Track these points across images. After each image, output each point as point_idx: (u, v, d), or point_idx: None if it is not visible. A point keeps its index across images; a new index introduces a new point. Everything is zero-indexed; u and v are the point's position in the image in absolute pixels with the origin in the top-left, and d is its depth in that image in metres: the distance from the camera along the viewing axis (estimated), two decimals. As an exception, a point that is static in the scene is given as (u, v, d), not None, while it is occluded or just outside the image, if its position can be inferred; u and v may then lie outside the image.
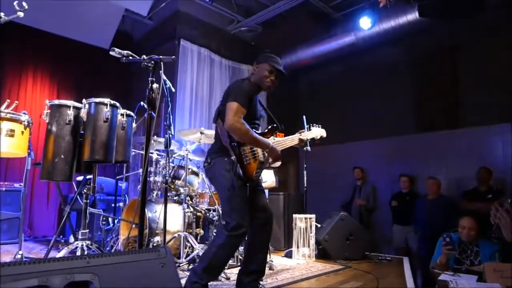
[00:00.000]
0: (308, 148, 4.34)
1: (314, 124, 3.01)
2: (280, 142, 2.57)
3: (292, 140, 2.67)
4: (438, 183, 5.19)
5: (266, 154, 2.42)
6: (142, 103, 3.94)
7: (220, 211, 3.70)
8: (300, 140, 2.70)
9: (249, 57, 7.20)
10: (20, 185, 5.00)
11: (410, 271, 3.52)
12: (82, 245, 2.44)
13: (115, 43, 6.14)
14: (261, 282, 2.49)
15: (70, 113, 2.43)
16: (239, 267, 2.52)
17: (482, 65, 5.50)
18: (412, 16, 5.48)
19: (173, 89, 3.30)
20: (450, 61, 5.90)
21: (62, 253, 2.46)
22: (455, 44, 5.87)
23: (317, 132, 2.92)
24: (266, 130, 2.55)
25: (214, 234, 3.84)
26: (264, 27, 6.84)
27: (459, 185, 5.40)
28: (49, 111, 2.43)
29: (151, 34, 6.72)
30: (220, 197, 2.40)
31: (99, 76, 6.43)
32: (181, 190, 3.85)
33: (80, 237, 2.48)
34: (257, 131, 2.46)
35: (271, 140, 2.48)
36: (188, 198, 3.72)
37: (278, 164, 2.49)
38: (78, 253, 2.40)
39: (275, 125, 2.57)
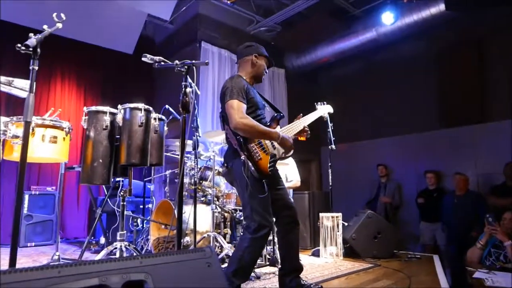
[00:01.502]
0: (333, 146, 4.38)
1: (319, 102, 2.96)
2: (287, 129, 2.52)
3: (296, 125, 2.58)
4: (465, 179, 5.11)
5: (275, 145, 2.39)
6: (167, 106, 4.05)
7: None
8: (304, 128, 2.60)
9: (269, 56, 7.23)
10: (53, 189, 5.19)
11: (441, 269, 3.47)
12: (120, 246, 2.53)
13: (138, 48, 6.30)
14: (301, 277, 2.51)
15: (107, 118, 2.51)
16: (277, 267, 2.54)
17: (507, 57, 5.37)
18: (435, 9, 5.40)
19: (198, 92, 3.37)
20: (474, 54, 5.78)
21: (102, 254, 2.55)
22: (480, 36, 5.75)
23: (323, 109, 2.86)
24: (270, 121, 2.53)
25: (242, 233, 3.90)
26: (283, 27, 6.87)
27: (488, 180, 5.30)
28: (86, 117, 2.53)
29: (172, 38, 6.84)
30: (241, 200, 2.39)
31: (122, 81, 6.61)
32: (209, 191, 3.91)
33: (118, 238, 2.57)
34: (263, 122, 2.44)
35: (278, 129, 2.45)
36: (215, 198, 3.78)
37: (290, 153, 2.46)
38: (117, 254, 2.49)
39: (279, 114, 2.55)
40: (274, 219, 2.50)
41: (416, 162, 6.23)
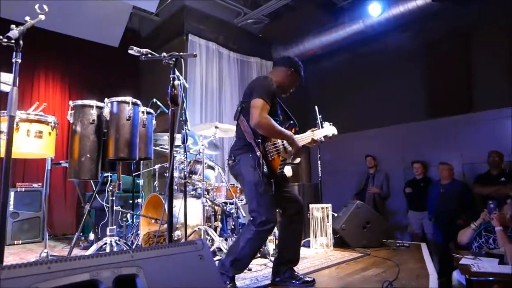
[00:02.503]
0: (322, 138, 4.40)
1: (326, 122, 3.00)
2: (297, 139, 2.58)
3: (305, 137, 2.65)
4: (450, 168, 5.20)
5: (287, 149, 2.45)
6: (155, 99, 4.00)
7: (239, 204, 3.77)
8: (313, 140, 2.66)
9: (256, 49, 7.21)
10: (39, 185, 5.11)
11: (429, 257, 3.55)
12: (110, 241, 2.51)
13: (123, 41, 6.20)
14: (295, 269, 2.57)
15: (94, 112, 2.48)
16: (273, 258, 2.60)
17: (493, 48, 5.45)
18: (422, 1, 5.44)
19: (186, 85, 3.33)
20: (461, 45, 5.84)
21: (92, 249, 2.53)
22: (466, 27, 5.81)
23: (330, 130, 2.92)
24: (285, 127, 2.58)
25: (233, 227, 3.91)
26: (271, 18, 6.84)
27: (474, 170, 5.40)
28: (72, 111, 2.49)
29: (158, 31, 6.75)
30: (246, 194, 2.43)
31: (109, 74, 6.51)
32: (199, 184, 3.90)
33: (108, 233, 2.55)
34: None
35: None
36: (205, 192, 3.78)
37: (298, 160, 2.54)
38: (108, 249, 2.47)
39: (291, 122, 2.61)
40: (280, 211, 2.60)
41: (403, 152, 6.31)
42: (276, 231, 3.60)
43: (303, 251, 4.00)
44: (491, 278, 2.32)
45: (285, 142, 2.44)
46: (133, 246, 3.68)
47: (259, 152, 2.32)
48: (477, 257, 2.83)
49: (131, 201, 4.52)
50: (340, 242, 4.21)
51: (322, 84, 7.66)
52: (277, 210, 2.50)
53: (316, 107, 3.60)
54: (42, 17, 2.03)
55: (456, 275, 2.59)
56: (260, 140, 2.35)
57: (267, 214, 2.29)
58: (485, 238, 3.38)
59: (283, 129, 2.42)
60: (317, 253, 3.86)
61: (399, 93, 6.38)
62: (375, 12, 5.83)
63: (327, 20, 6.62)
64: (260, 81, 2.48)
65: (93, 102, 2.57)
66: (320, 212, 4.21)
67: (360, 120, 6.86)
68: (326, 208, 4.22)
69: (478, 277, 2.33)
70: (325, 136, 2.81)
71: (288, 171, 4.49)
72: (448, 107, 5.85)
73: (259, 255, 3.46)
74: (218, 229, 3.91)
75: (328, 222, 4.18)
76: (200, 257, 1.39)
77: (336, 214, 4.44)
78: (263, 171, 2.30)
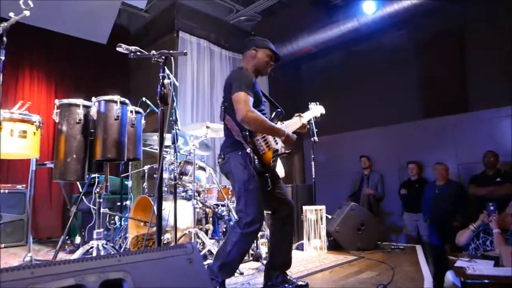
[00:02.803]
0: (316, 138, 4.40)
1: (311, 103, 3.03)
2: (287, 126, 2.58)
3: (294, 123, 2.67)
4: (445, 168, 5.24)
5: (278, 141, 2.43)
6: (144, 98, 3.98)
7: (230, 207, 3.76)
8: (303, 125, 2.71)
9: (249, 47, 7.20)
10: (23, 187, 5.05)
11: (424, 260, 3.58)
12: (97, 245, 2.49)
13: (112, 38, 6.16)
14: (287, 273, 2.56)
15: (80, 112, 2.46)
16: (265, 262, 2.61)
17: (488, 46, 5.52)
18: (417, -2, 5.48)
19: (177, 84, 3.32)
20: (456, 43, 5.92)
21: (78, 253, 2.51)
22: (462, 25, 5.88)
23: (316, 110, 2.94)
24: (272, 117, 2.58)
25: (224, 229, 3.91)
26: (264, 16, 6.84)
27: (469, 170, 5.46)
28: (58, 110, 2.46)
29: (148, 27, 6.72)
30: (235, 192, 2.42)
31: (96, 73, 6.48)
32: (189, 186, 3.89)
33: (95, 236, 2.53)
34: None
35: (279, 125, 2.50)
36: (196, 194, 3.77)
37: (290, 149, 2.52)
38: (94, 253, 2.45)
39: (278, 109, 2.60)
40: (270, 213, 2.60)
41: (398, 153, 6.35)
42: (268, 233, 3.61)
43: (296, 254, 4.02)
44: (486, 281, 2.34)
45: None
46: (121, 250, 3.66)
47: (249, 149, 2.29)
48: (472, 260, 2.86)
49: (119, 203, 4.49)
50: (334, 245, 4.23)
51: (317, 83, 7.70)
52: (267, 212, 2.49)
53: (309, 104, 3.59)
54: (27, 13, 2.01)
55: (450, 277, 2.62)
56: (247, 134, 2.31)
57: (254, 214, 2.27)
58: (483, 240, 3.42)
59: (274, 124, 2.40)
60: (311, 256, 3.88)
61: (394, 92, 6.43)
62: (369, 10, 5.87)
63: (321, 17, 6.64)
64: (235, 74, 2.44)
65: (80, 101, 2.54)
66: (313, 214, 4.22)
67: (354, 119, 6.89)
68: (320, 210, 4.23)
69: (473, 279, 2.36)
70: (314, 117, 2.83)
71: (280, 172, 4.52)
72: (444, 107, 5.91)
73: (251, 258, 3.46)
74: (209, 232, 3.91)
75: (322, 224, 4.20)
76: (190, 261, 1.39)
77: (330, 216, 4.45)
78: (255, 167, 2.28)
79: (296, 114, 2.74)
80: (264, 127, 2.32)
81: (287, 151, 2.52)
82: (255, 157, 2.29)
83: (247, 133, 2.32)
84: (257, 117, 2.28)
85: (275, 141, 2.43)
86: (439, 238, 5.04)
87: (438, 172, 5.26)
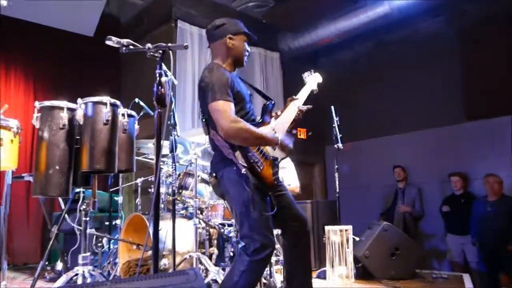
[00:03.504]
0: (340, 145, 4.41)
1: (306, 73, 2.90)
2: (283, 123, 2.54)
3: (290, 112, 2.59)
4: (499, 181, 5.19)
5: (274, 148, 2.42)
6: (137, 99, 4.03)
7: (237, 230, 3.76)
8: (300, 110, 2.61)
9: (259, 38, 7.20)
10: (-3, 204, 5.12)
11: (473, 290, 3.53)
12: (83, 271, 2.51)
13: (100, 30, 6.25)
14: None
15: (64, 115, 2.49)
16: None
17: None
18: (459, -22, 5.47)
19: (175, 82, 3.37)
20: (506, 31, 5.86)
21: (61, 281, 2.54)
22: (512, 8, 5.83)
23: (312, 81, 2.82)
24: (261, 117, 2.52)
25: (232, 254, 3.90)
26: (277, 1, 6.88)
27: (526, 183, 5.39)
28: (39, 114, 2.50)
29: (142, 16, 6.81)
30: (236, 215, 2.38)
31: (82, 70, 6.55)
32: (190, 202, 3.91)
33: (80, 262, 2.55)
34: (255, 121, 2.46)
35: (273, 124, 2.49)
36: (198, 211, 3.78)
37: (289, 151, 2.50)
38: (79, 281, 2.47)
39: (269, 102, 2.54)
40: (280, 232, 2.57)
41: (439, 162, 6.29)
42: (283, 258, 3.60)
43: (317, 283, 3.99)
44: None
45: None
46: (110, 278, 3.68)
47: (244, 169, 2.24)
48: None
49: (107, 223, 4.52)
50: (363, 273, 4.18)
51: (339, 80, 7.66)
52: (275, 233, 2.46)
53: (332, 107, 3.65)
54: (3, 3, 2.07)
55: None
56: (239, 152, 2.27)
57: (262, 238, 2.24)
58: None
59: (263, 132, 2.35)
60: (335, 287, 3.84)
61: (432, 90, 6.39)
62: (402, -8, 5.88)
63: (345, 2, 6.65)
64: (205, 79, 2.36)
65: (64, 103, 2.56)
66: (338, 236, 4.19)
67: (385, 123, 6.86)
68: (346, 230, 4.20)
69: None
70: (311, 93, 2.75)
71: (296, 186, 4.51)
72: (492, 107, 5.86)
73: (264, 288, 3.46)
74: (214, 256, 3.90)
75: (348, 248, 4.16)
76: (193, 291, 1.40)
77: (358, 238, 4.42)
78: (254, 186, 2.25)
79: (289, 99, 2.66)
80: (252, 139, 2.27)
81: (286, 154, 2.50)
82: (253, 177, 2.26)
83: (238, 150, 2.28)
84: (242, 128, 2.23)
85: (272, 148, 2.42)
86: (490, 265, 4.97)
87: (490, 185, 5.20)
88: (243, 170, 2.24)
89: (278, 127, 2.49)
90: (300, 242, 2.50)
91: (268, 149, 2.39)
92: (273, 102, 2.56)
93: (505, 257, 4.68)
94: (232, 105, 2.28)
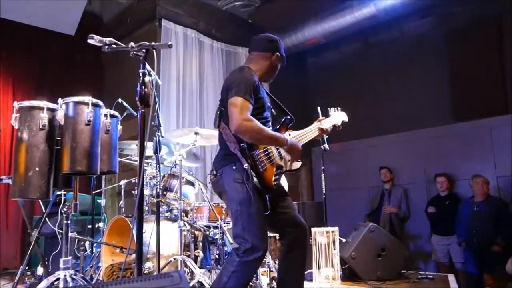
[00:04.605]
0: (326, 146, 4.41)
1: (332, 108, 3.04)
2: (298, 136, 2.62)
3: (311, 131, 2.71)
4: (486, 182, 5.27)
5: (283, 155, 2.47)
6: (120, 100, 4.00)
7: (224, 229, 3.76)
8: (321, 130, 2.74)
9: (245, 37, 7.23)
10: (-26, 207, 5.04)
11: (458, 291, 3.58)
12: (65, 275, 2.48)
13: (81, 29, 6.21)
14: None
15: (44, 116, 2.46)
16: None
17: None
18: (445, -21, 5.55)
19: (159, 82, 3.35)
20: (493, 33, 5.96)
21: (42, 286, 2.50)
22: (499, 11, 5.92)
23: (338, 116, 2.95)
24: (279, 126, 2.62)
25: (217, 256, 3.91)
26: (263, 1, 6.89)
27: (510, 183, 5.48)
28: (18, 115, 2.47)
29: (125, 15, 6.75)
30: (231, 215, 2.44)
31: (62, 69, 6.50)
32: (175, 204, 3.89)
33: (62, 266, 2.52)
34: (270, 128, 2.53)
35: (286, 136, 2.54)
36: (183, 213, 3.77)
37: (298, 165, 2.57)
38: (61, 285, 2.45)
39: (288, 117, 2.64)
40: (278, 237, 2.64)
41: (425, 164, 6.37)
42: (270, 261, 3.61)
43: (305, 285, 4.00)
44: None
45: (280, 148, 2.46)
46: (93, 282, 3.65)
47: (246, 164, 2.31)
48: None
49: (90, 226, 4.48)
50: (349, 274, 4.23)
51: (326, 81, 7.74)
52: (270, 235, 2.51)
53: (318, 108, 3.66)
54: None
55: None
56: (246, 147, 2.34)
57: (254, 240, 2.27)
58: None
59: (274, 132, 2.43)
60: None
61: (419, 92, 6.46)
62: (389, -8, 5.94)
63: (332, 2, 6.70)
64: (235, 75, 2.49)
65: (44, 103, 2.53)
66: (324, 238, 4.22)
67: (372, 124, 6.91)
68: (332, 232, 4.23)
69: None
70: (334, 126, 2.85)
71: (283, 183, 4.53)
72: (479, 108, 5.94)
73: (251, 292, 3.46)
74: (199, 259, 3.90)
75: (334, 249, 4.19)
76: (177, 293, 1.40)
77: (344, 240, 4.46)
78: (253, 185, 2.30)
79: (317, 121, 2.79)
80: (262, 137, 2.36)
81: (294, 168, 2.56)
82: (254, 175, 2.31)
83: (246, 146, 2.35)
84: (254, 126, 2.31)
85: (280, 155, 2.47)
86: (476, 266, 5.04)
87: (479, 186, 5.27)
88: (245, 165, 2.31)
89: (294, 137, 2.56)
90: (296, 248, 2.53)
91: (275, 154, 2.45)
92: (291, 117, 2.65)
93: (491, 257, 4.76)
94: (250, 106, 2.36)
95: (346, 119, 3.00)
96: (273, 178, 2.41)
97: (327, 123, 2.82)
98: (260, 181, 2.33)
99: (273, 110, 2.72)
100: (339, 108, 3.01)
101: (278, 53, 2.65)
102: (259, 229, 2.33)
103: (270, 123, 2.61)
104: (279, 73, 2.78)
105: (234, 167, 2.37)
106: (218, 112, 2.52)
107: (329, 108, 2.99)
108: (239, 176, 2.34)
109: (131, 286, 1.34)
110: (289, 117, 2.64)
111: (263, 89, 2.58)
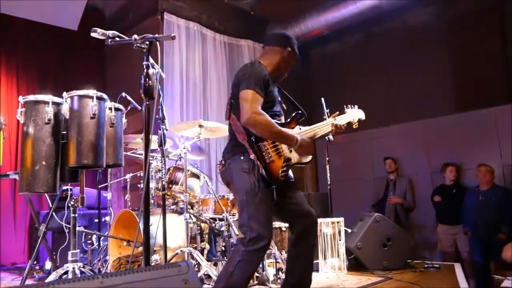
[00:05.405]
0: (331, 137, 4.40)
1: (349, 106, 3.00)
2: (308, 131, 2.59)
3: (324, 127, 2.66)
4: (491, 171, 5.25)
5: (292, 150, 2.48)
6: (124, 94, 4.01)
7: (230, 221, 3.78)
8: (335, 126, 2.67)
9: (248, 30, 7.24)
10: (-19, 203, 5.07)
11: (464, 280, 3.58)
12: (73, 268, 2.51)
13: (84, 23, 6.20)
14: None
15: (49, 110, 2.47)
16: (272, 286, 2.62)
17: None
18: (448, -32, 5.50)
19: (163, 75, 3.35)
20: (497, 22, 5.91)
21: (51, 279, 2.53)
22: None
23: (354, 114, 2.89)
24: (289, 120, 2.61)
25: (223, 248, 3.92)
26: (266, -8, 6.87)
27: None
28: (23, 109, 2.48)
29: (127, 10, 6.73)
30: (237, 204, 2.46)
31: (66, 63, 6.52)
32: (180, 197, 3.91)
33: (70, 259, 2.55)
34: (279, 122, 2.53)
35: (297, 130, 2.54)
36: (189, 206, 3.78)
37: (308, 159, 2.56)
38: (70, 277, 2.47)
39: (299, 111, 2.63)
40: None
41: (429, 154, 6.35)
42: (276, 252, 3.63)
43: (310, 276, 4.02)
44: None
45: None
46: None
47: (253, 155, 2.32)
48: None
49: (96, 220, 4.50)
50: (355, 264, 4.24)
51: (329, 71, 7.70)
52: (275, 227, 2.52)
53: (322, 99, 3.67)
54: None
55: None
56: (253, 139, 2.35)
57: (260, 229, 2.28)
58: None
59: (284, 129, 2.43)
60: (328, 278, 3.88)
61: (423, 81, 6.43)
62: (392, -18, 5.89)
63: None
64: (247, 69, 2.50)
65: (49, 97, 2.55)
66: (330, 228, 4.23)
67: (376, 114, 6.79)
68: (338, 222, 4.24)
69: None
70: (348, 123, 2.82)
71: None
72: (484, 97, 5.91)
73: (256, 282, 3.47)
74: (206, 251, 3.92)
75: (340, 240, 4.20)
76: (185, 282, 1.40)
77: (349, 230, 4.46)
78: (259, 175, 2.31)
79: (332, 116, 2.74)
80: (271, 132, 2.36)
81: (304, 161, 2.55)
82: (260, 165, 2.32)
83: (253, 138, 2.36)
84: (263, 120, 2.32)
85: (289, 148, 2.47)
86: (482, 255, 5.04)
87: (483, 175, 5.27)
88: (252, 156, 2.33)
89: (303, 133, 2.53)
90: (305, 237, 2.54)
91: (283, 147, 2.45)
92: (302, 112, 2.63)
93: (496, 245, 4.75)
94: (260, 99, 2.37)
95: (363, 116, 2.91)
96: (281, 170, 2.41)
97: (342, 120, 2.75)
98: (266, 172, 2.34)
99: (283, 105, 2.72)
100: (356, 106, 2.94)
101: (289, 48, 2.64)
102: (265, 219, 2.35)
103: (280, 118, 2.62)
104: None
105: (242, 157, 2.39)
106: (229, 104, 2.53)
107: (344, 106, 2.90)
108: (246, 166, 2.36)
109: (140, 275, 1.35)
110: (300, 112, 2.63)
111: (274, 85, 2.59)
